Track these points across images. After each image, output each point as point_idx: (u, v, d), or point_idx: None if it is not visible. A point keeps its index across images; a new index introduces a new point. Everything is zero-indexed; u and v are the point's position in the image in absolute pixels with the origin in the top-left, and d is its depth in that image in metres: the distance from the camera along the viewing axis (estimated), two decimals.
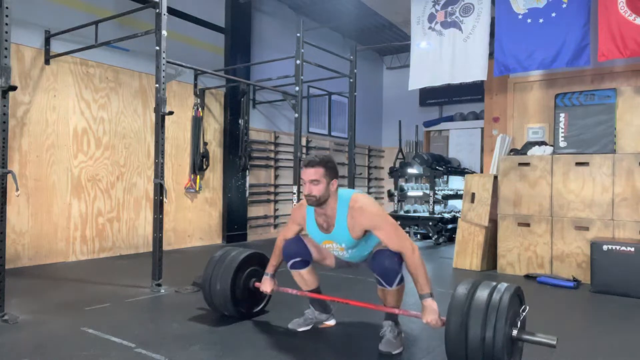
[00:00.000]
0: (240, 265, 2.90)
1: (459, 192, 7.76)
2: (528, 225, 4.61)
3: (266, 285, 2.84)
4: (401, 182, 7.88)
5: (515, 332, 2.10)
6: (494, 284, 2.18)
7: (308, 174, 2.48)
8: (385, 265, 2.43)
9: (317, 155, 2.54)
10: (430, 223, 6.88)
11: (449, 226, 6.92)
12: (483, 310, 2.03)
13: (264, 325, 2.94)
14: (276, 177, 7.59)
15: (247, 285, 2.95)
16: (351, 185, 6.27)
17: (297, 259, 2.72)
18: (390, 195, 8.01)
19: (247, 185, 6.93)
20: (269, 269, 2.86)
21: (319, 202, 2.50)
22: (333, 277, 4.42)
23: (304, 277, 2.77)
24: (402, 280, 2.51)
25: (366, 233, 2.52)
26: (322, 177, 2.47)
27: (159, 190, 3.75)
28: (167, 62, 3.88)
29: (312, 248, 2.75)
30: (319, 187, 2.47)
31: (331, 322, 2.94)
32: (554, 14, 4.47)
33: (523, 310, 2.17)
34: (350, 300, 2.68)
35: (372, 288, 3.86)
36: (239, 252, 3.00)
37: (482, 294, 2.11)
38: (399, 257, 2.46)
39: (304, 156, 6.36)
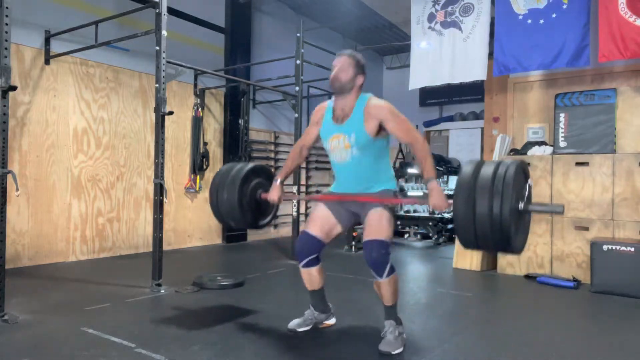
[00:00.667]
0: (247, 176, 2.87)
1: None
2: None
3: (274, 192, 2.80)
4: (401, 182, 7.88)
5: (521, 205, 2.14)
6: (499, 160, 2.20)
7: (338, 61, 2.58)
8: (374, 257, 2.43)
9: (353, 50, 2.67)
10: (430, 223, 6.88)
11: (449, 226, 6.92)
12: (489, 184, 2.05)
13: (264, 325, 2.94)
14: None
15: (253, 195, 2.90)
16: None
17: (313, 256, 2.71)
18: None
19: None
20: (279, 175, 2.83)
21: (342, 87, 2.55)
22: (333, 277, 4.42)
23: (313, 275, 2.75)
24: (392, 270, 2.50)
25: (378, 133, 2.51)
26: (350, 67, 2.56)
27: (159, 190, 3.75)
28: (167, 62, 3.88)
29: (319, 232, 2.68)
30: (346, 72, 2.55)
31: (331, 322, 2.93)
32: (554, 15, 4.47)
33: (528, 184, 2.23)
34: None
35: (371, 286, 3.86)
36: (245, 164, 2.99)
37: (487, 169, 2.12)
38: (386, 248, 2.46)
39: None
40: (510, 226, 2.02)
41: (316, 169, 8.31)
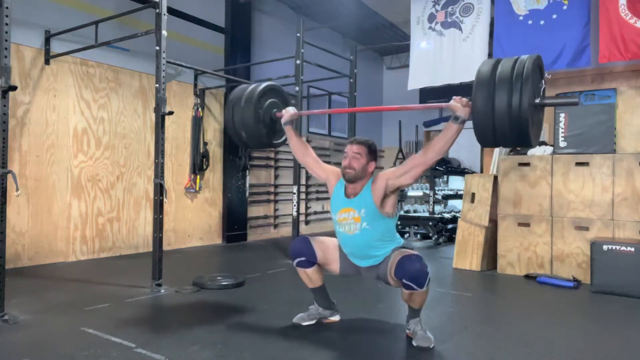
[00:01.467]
0: (265, 91, 2.94)
1: (459, 192, 7.77)
2: (528, 225, 4.61)
3: (287, 114, 2.90)
4: None
5: (538, 99, 2.20)
6: (516, 57, 2.24)
7: (352, 148, 2.64)
8: (417, 268, 2.44)
9: (366, 138, 2.72)
10: (430, 223, 6.88)
11: (449, 226, 6.92)
12: (508, 80, 2.11)
13: (264, 325, 2.94)
14: (276, 177, 7.59)
15: (268, 112, 2.96)
16: None
17: (302, 258, 2.79)
18: None
19: (247, 185, 6.93)
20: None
21: (355, 177, 2.62)
22: (333, 277, 4.42)
23: (309, 275, 2.83)
24: (429, 281, 2.53)
25: (384, 200, 2.59)
26: (364, 155, 2.62)
27: (159, 190, 3.75)
28: (167, 62, 3.88)
29: (318, 251, 2.79)
30: (359, 161, 2.61)
31: (335, 318, 2.97)
32: (554, 16, 4.48)
33: (544, 80, 2.29)
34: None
35: (374, 288, 3.86)
36: (261, 83, 3.05)
37: (506, 65, 2.18)
38: (420, 258, 2.51)
39: None
40: (528, 119, 2.10)
41: None
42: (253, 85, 3.01)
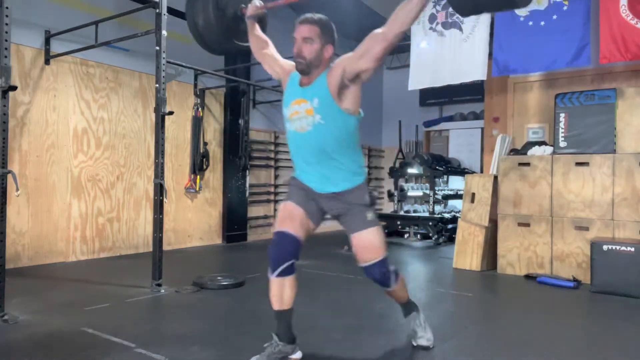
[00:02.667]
0: None
1: (459, 192, 7.76)
2: (528, 225, 4.61)
3: (252, 6, 2.54)
4: (401, 182, 7.88)
5: None
6: None
7: (302, 30, 2.18)
8: (378, 278, 2.31)
9: (317, 14, 2.21)
10: (430, 223, 6.88)
11: (449, 226, 6.92)
12: None
13: (264, 325, 2.94)
14: (276, 177, 7.59)
15: (233, 3, 2.61)
16: None
17: (290, 262, 2.19)
18: (390, 195, 8.01)
19: (247, 185, 6.93)
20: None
21: (308, 66, 2.18)
22: (333, 277, 4.42)
23: (286, 288, 2.21)
24: (397, 275, 2.40)
25: (343, 91, 2.14)
26: (317, 37, 2.16)
27: (159, 190, 3.75)
28: (167, 62, 3.88)
29: (300, 232, 2.23)
30: (311, 47, 2.15)
31: (297, 356, 2.32)
32: (555, 16, 4.47)
33: None
34: None
35: (374, 287, 3.86)
36: None
37: None
38: (386, 266, 2.29)
39: None
40: None
41: None
42: None
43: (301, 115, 2.20)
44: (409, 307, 2.59)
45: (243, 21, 2.61)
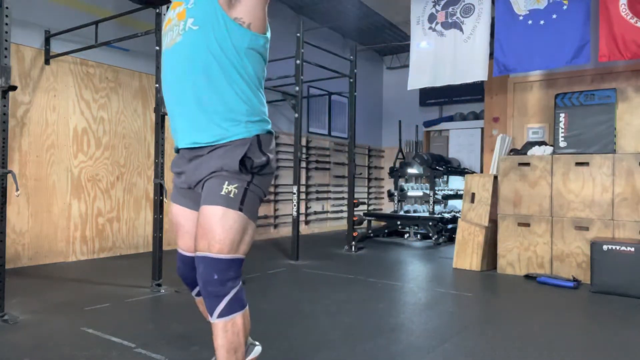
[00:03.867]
0: None
1: (459, 192, 7.77)
2: (528, 225, 4.62)
3: None
4: (401, 182, 7.88)
5: None
6: None
7: None
8: (201, 286, 1.50)
9: None
10: (430, 223, 6.88)
11: (449, 226, 6.93)
12: None
13: (264, 325, 2.94)
14: (276, 177, 7.59)
15: None
16: (351, 185, 6.27)
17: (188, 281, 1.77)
18: (390, 195, 8.02)
19: None
20: None
21: None
22: (333, 278, 4.42)
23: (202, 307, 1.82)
24: (233, 308, 1.49)
25: (232, 6, 1.49)
26: None
27: (159, 190, 3.75)
28: None
29: (184, 236, 1.71)
30: None
31: None
32: (554, 15, 4.48)
33: None
34: None
35: (374, 288, 3.86)
36: None
37: None
38: (225, 268, 1.46)
39: (304, 156, 6.36)
40: None
41: (316, 169, 8.31)
42: None
43: (173, 23, 1.56)
44: None
45: None
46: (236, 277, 1.48)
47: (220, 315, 1.45)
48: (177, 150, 1.64)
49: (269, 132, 1.56)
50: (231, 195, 1.45)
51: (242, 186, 1.47)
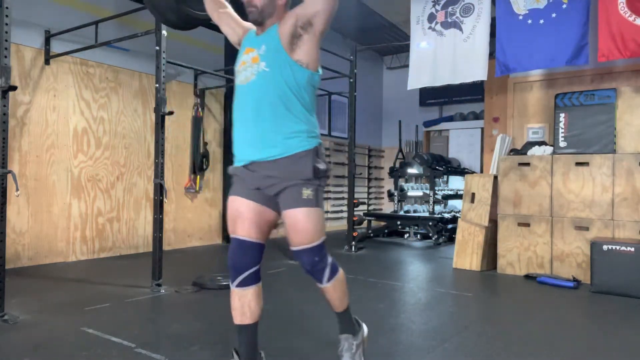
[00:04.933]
0: None
1: (459, 192, 7.77)
2: (528, 225, 4.61)
3: None
4: (401, 182, 7.88)
5: None
6: None
7: None
8: (307, 268, 1.96)
9: None
10: (430, 223, 6.88)
11: (449, 226, 6.92)
12: None
13: (264, 325, 2.93)
14: None
15: None
16: (351, 185, 6.26)
17: (252, 270, 1.96)
18: (390, 195, 8.02)
19: None
20: None
21: (261, 16, 1.94)
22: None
23: (248, 300, 1.99)
24: (334, 271, 2.02)
25: (295, 41, 1.91)
26: None
27: (159, 190, 3.75)
28: (167, 62, 3.88)
29: (256, 233, 1.97)
30: None
31: None
32: (554, 15, 4.48)
33: None
34: None
35: (374, 288, 3.87)
36: None
37: None
38: (319, 254, 1.94)
39: None
40: None
41: None
42: None
43: (247, 64, 1.95)
44: (346, 320, 2.11)
45: None
46: (326, 252, 2.01)
47: (328, 280, 2.01)
48: (243, 163, 2.06)
49: (320, 144, 2.02)
50: (310, 197, 1.90)
51: (315, 189, 1.93)
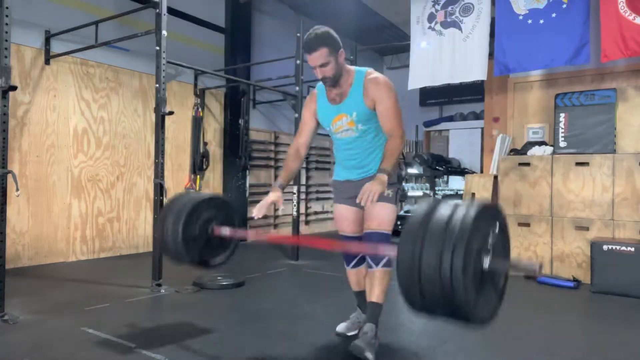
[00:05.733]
0: (197, 206, 2.38)
1: (459, 192, 7.76)
2: (528, 225, 4.61)
3: (272, 195, 2.45)
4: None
5: (485, 262, 1.59)
6: (458, 201, 1.67)
7: (313, 59, 2.35)
8: (372, 244, 2.41)
9: (315, 33, 2.34)
10: None
11: None
12: (440, 234, 1.53)
13: (264, 325, 2.94)
14: (276, 177, 7.59)
15: (204, 230, 2.40)
16: None
17: (358, 258, 2.68)
18: None
19: (247, 185, 6.93)
20: (280, 178, 2.57)
21: (335, 80, 2.42)
22: (333, 278, 4.42)
23: (361, 274, 2.68)
24: (389, 263, 2.44)
25: (372, 106, 2.44)
26: (329, 56, 2.33)
27: (159, 190, 3.76)
28: (167, 62, 3.87)
29: (357, 230, 2.62)
30: (329, 67, 2.35)
31: None
32: (554, 15, 4.47)
33: (497, 232, 1.67)
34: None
35: None
36: (200, 193, 2.71)
37: (442, 213, 1.60)
38: (384, 235, 2.42)
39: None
40: (468, 294, 1.51)
41: (316, 169, 8.31)
42: (185, 199, 2.44)
43: (345, 127, 2.51)
44: (375, 311, 2.47)
45: (218, 239, 2.45)
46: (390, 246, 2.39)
47: (384, 265, 2.44)
48: (343, 179, 2.67)
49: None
50: (390, 195, 2.47)
51: (394, 190, 2.51)
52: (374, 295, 2.45)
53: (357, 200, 2.17)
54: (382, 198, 2.33)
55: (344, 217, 2.66)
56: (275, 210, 7.56)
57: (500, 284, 1.77)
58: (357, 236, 2.60)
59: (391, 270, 2.44)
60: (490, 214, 1.67)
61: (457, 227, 1.52)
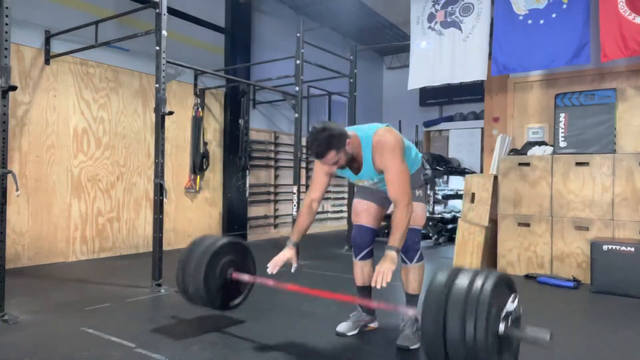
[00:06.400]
0: (217, 252, 2.61)
1: (459, 192, 7.76)
2: (528, 225, 4.61)
3: (286, 253, 2.60)
4: None
5: (502, 328, 1.79)
6: (476, 270, 1.90)
7: (324, 162, 2.44)
8: (407, 244, 2.54)
9: (316, 139, 2.34)
10: (430, 223, 6.88)
11: (449, 226, 6.92)
12: (462, 302, 1.74)
13: (264, 325, 2.94)
14: (276, 177, 7.59)
15: (223, 275, 2.65)
16: (351, 186, 6.26)
17: (369, 249, 2.80)
18: None
19: (247, 185, 6.93)
20: (293, 236, 2.65)
21: (348, 164, 2.53)
22: (334, 277, 4.42)
23: (368, 268, 2.80)
24: (421, 257, 2.65)
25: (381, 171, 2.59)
26: (337, 155, 2.38)
27: (159, 190, 3.76)
28: (167, 62, 3.87)
29: (373, 222, 2.78)
30: (340, 161, 2.43)
31: (375, 325, 2.90)
32: (554, 15, 4.47)
33: (513, 301, 1.87)
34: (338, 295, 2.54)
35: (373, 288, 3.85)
36: (218, 238, 2.77)
37: (461, 282, 1.81)
38: (418, 236, 2.63)
39: (304, 156, 6.36)
40: (488, 352, 1.72)
41: None
42: (204, 246, 2.66)
43: (366, 184, 2.70)
44: (413, 303, 2.67)
45: (235, 283, 2.73)
46: (420, 240, 2.71)
47: (417, 261, 2.66)
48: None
49: (419, 167, 2.77)
50: (421, 195, 2.70)
51: (423, 190, 2.76)
52: (410, 287, 2.67)
53: (372, 284, 2.25)
54: (416, 198, 2.56)
55: (364, 209, 2.78)
56: (275, 210, 7.56)
57: (514, 345, 1.95)
58: (372, 228, 2.78)
59: (424, 262, 2.69)
60: (504, 283, 1.86)
61: (476, 297, 1.74)
